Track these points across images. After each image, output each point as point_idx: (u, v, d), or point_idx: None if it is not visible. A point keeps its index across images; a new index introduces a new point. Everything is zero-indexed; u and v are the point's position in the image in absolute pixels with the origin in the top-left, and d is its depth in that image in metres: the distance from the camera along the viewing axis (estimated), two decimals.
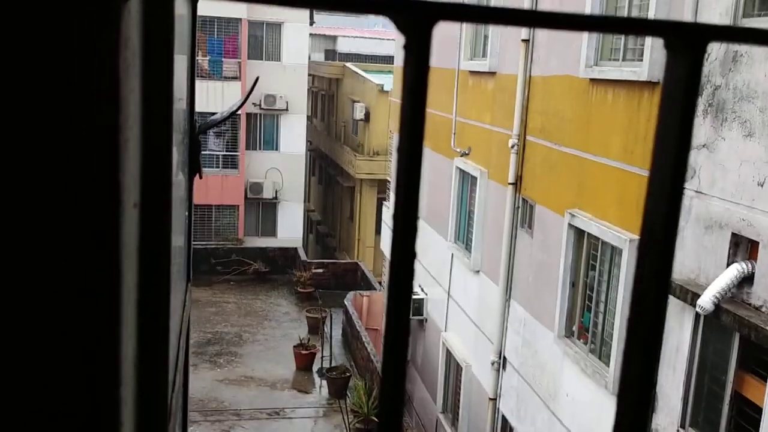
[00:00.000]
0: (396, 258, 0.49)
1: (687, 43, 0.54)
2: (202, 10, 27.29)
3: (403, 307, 0.49)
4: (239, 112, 25.88)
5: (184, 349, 1.46)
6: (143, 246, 0.69)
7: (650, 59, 7.60)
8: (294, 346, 18.50)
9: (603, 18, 0.55)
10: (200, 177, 1.75)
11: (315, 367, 18.32)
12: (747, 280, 6.30)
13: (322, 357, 18.21)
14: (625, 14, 8.41)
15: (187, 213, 1.69)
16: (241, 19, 25.98)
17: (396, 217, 0.52)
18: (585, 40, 8.90)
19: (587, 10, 8.84)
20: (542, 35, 10.31)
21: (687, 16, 7.06)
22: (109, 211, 0.50)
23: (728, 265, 6.45)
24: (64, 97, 0.46)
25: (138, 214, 0.63)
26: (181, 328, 1.36)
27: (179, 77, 1.47)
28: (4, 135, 0.46)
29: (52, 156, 0.47)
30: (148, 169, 0.67)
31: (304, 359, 18.25)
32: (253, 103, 26.59)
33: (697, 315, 6.77)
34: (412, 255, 0.51)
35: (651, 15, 7.62)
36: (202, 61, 25.97)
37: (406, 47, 0.52)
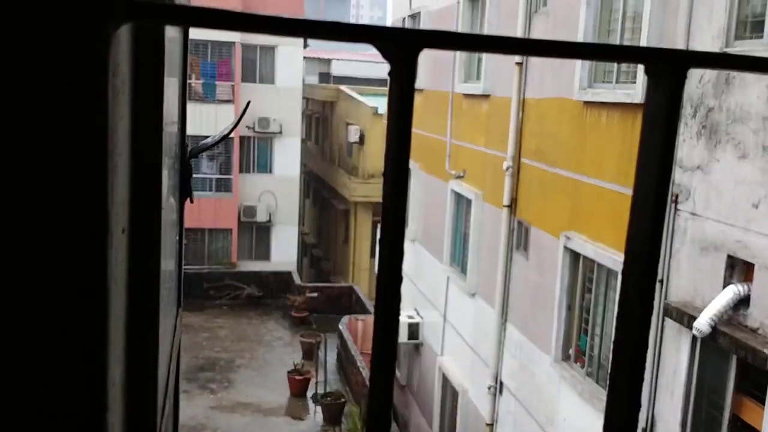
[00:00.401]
0: (383, 281, 0.49)
1: (667, 69, 0.55)
2: (196, 33, 27.46)
3: (391, 330, 0.49)
4: (232, 135, 25.93)
5: (174, 374, 1.44)
6: (132, 271, 0.69)
7: (644, 81, 7.66)
8: (288, 372, 18.35)
9: (584, 45, 0.56)
10: (191, 201, 1.75)
11: (309, 393, 18.16)
12: (743, 302, 6.30)
13: (316, 382, 18.07)
14: (618, 36, 8.50)
15: (177, 237, 1.68)
16: (234, 42, 26.11)
17: (383, 240, 0.52)
18: (578, 63, 8.97)
19: (580, 33, 8.93)
20: (536, 57, 10.39)
21: (679, 39, 7.13)
22: (97, 237, 0.50)
23: (724, 287, 6.45)
24: (52, 124, 0.46)
25: (127, 239, 0.63)
26: (171, 354, 1.35)
27: (170, 100, 1.48)
28: None
29: (39, 182, 0.47)
30: (137, 194, 0.67)
31: (299, 385, 18.10)
32: (247, 126, 26.64)
33: (694, 338, 6.76)
34: (399, 278, 0.51)
35: (644, 37, 7.70)
36: (196, 84, 26.06)
37: (390, 74, 0.53)
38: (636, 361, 0.50)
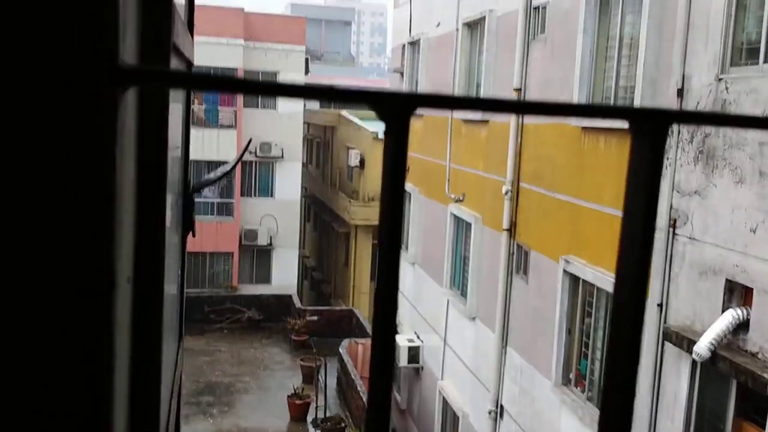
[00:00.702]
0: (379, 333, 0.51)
1: (650, 126, 0.57)
2: (198, 59, 27.58)
3: (388, 354, 0.51)
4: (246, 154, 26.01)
5: (175, 411, 1.46)
6: (135, 317, 0.71)
7: (641, 106, 7.71)
8: (288, 396, 18.26)
9: (572, 105, 0.59)
10: (193, 235, 1.77)
11: (309, 418, 18.05)
12: (742, 326, 6.30)
13: (316, 407, 17.96)
14: (615, 62, 8.56)
15: (179, 271, 1.70)
16: (237, 68, 26.31)
17: (377, 300, 0.54)
18: (576, 89, 9.04)
19: (577, 59, 9.01)
20: (534, 84, 10.47)
21: (675, 65, 7.20)
22: (102, 288, 0.52)
23: (723, 311, 6.46)
24: (59, 189, 0.48)
25: (131, 287, 0.65)
26: (172, 390, 1.37)
27: (175, 138, 1.51)
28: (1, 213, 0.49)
29: (49, 240, 0.49)
30: (141, 245, 0.69)
31: (299, 409, 18.00)
32: (249, 151, 26.74)
33: (694, 362, 6.75)
34: (393, 332, 0.54)
35: (640, 63, 7.77)
36: (198, 109, 26.21)
37: (386, 133, 0.55)
38: (627, 384, 0.53)
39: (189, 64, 1.55)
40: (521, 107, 0.56)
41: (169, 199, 1.37)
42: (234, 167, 2.62)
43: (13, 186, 0.48)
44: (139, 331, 0.71)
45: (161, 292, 0.78)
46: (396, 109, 0.54)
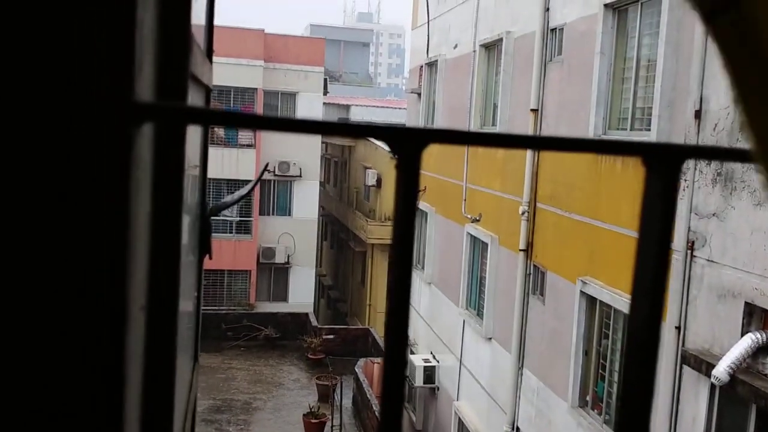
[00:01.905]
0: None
1: (663, 162, 0.57)
2: (219, 80, 27.82)
3: (399, 374, 0.51)
4: (253, 179, 26.17)
5: (189, 430, 1.46)
6: (149, 345, 0.72)
7: (658, 128, 7.69)
8: (303, 415, 18.20)
9: (584, 140, 0.59)
10: (210, 258, 1.79)
11: None
12: (762, 350, 6.22)
13: (332, 426, 17.89)
14: (632, 84, 8.55)
15: (196, 293, 1.72)
16: (257, 89, 26.54)
17: (387, 330, 0.55)
18: (593, 108, 9.04)
19: (594, 81, 9.00)
20: (551, 105, 10.47)
21: (693, 87, 7.17)
22: (115, 318, 0.53)
23: (742, 334, 6.38)
24: (75, 219, 0.50)
25: (145, 315, 0.66)
26: (186, 412, 1.37)
27: (193, 161, 1.53)
28: (17, 242, 0.50)
29: (63, 275, 0.50)
30: (156, 274, 0.71)
31: (314, 428, 17.93)
32: (268, 171, 26.89)
33: (713, 386, 6.66)
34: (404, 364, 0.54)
35: (657, 85, 7.75)
36: (218, 129, 26.44)
37: (397, 167, 0.56)
38: (642, 411, 0.53)
39: (208, 90, 1.57)
40: (534, 143, 0.57)
41: (187, 222, 1.39)
42: (251, 190, 2.64)
43: (27, 220, 0.50)
44: (152, 358, 0.72)
45: (175, 320, 0.78)
46: (409, 144, 0.55)
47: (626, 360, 0.59)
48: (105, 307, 0.52)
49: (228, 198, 2.47)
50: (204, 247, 1.71)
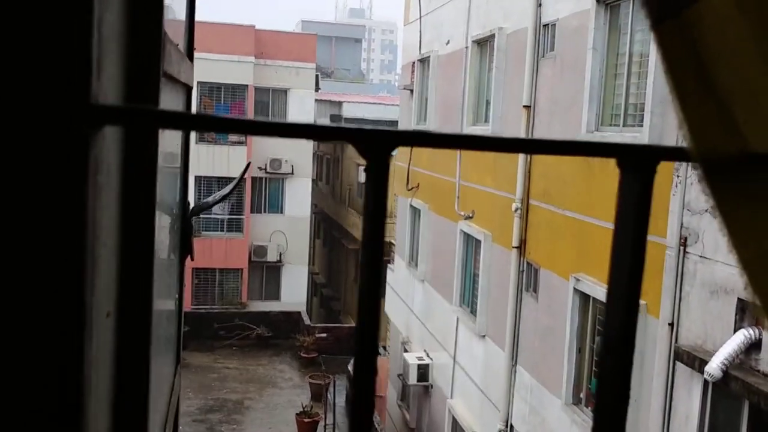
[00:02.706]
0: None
1: (638, 163, 0.56)
2: (210, 77, 27.68)
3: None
4: (244, 176, 26.11)
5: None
6: (120, 351, 0.70)
7: (650, 124, 7.69)
8: (296, 414, 18.19)
9: (558, 142, 0.57)
10: (192, 259, 1.76)
11: None
12: (755, 346, 6.23)
13: (325, 425, 17.89)
14: (624, 80, 8.55)
15: (177, 296, 1.70)
16: (247, 85, 26.48)
17: (359, 327, 0.53)
18: (586, 104, 9.03)
19: (587, 77, 9.00)
20: (543, 101, 10.47)
21: None
22: (74, 323, 0.51)
23: (735, 330, 6.39)
24: (29, 223, 0.48)
25: (113, 322, 0.64)
26: (167, 415, 1.35)
27: (173, 161, 1.51)
28: None
29: (17, 279, 0.48)
30: (126, 277, 0.68)
31: (307, 427, 17.92)
32: (259, 167, 26.85)
33: (706, 382, 6.67)
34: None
35: (650, 81, 7.74)
36: None
37: (366, 170, 0.55)
38: (619, 408, 0.51)
39: (188, 89, 1.54)
40: (506, 145, 0.55)
41: (166, 222, 1.37)
42: (233, 190, 2.63)
43: None
44: (124, 364, 0.70)
45: (149, 325, 0.77)
46: (377, 147, 0.54)
47: (600, 362, 0.58)
48: (61, 314, 0.50)
49: (209, 198, 2.45)
50: (185, 248, 1.69)
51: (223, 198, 2.41)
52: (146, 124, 0.49)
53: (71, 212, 0.48)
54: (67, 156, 0.47)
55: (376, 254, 0.53)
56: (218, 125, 0.52)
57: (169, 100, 1.15)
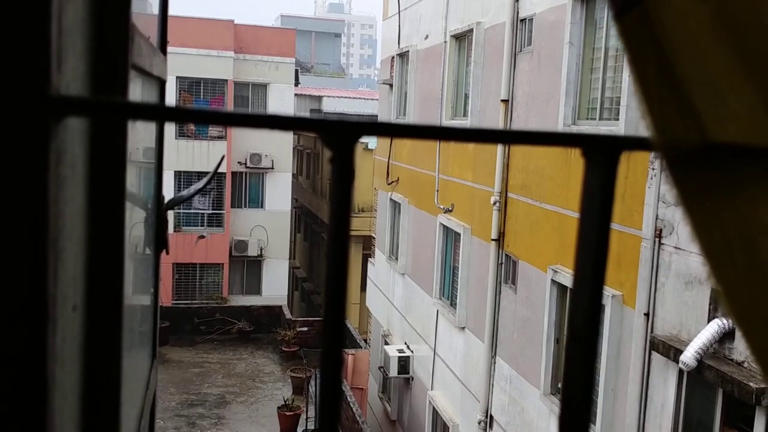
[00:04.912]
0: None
1: (602, 152, 0.57)
2: (189, 71, 27.48)
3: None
4: (224, 170, 26.00)
5: (146, 430, 1.44)
6: (89, 346, 0.69)
7: (626, 118, 7.76)
8: (278, 408, 18.18)
9: (525, 133, 0.58)
10: (167, 253, 1.76)
11: (300, 429, 17.97)
12: (728, 335, 6.32)
13: (306, 418, 17.89)
14: (600, 74, 8.61)
15: (153, 290, 1.69)
16: (227, 80, 26.32)
17: (325, 329, 0.54)
18: (563, 98, 9.09)
19: (563, 71, 9.05)
20: (521, 95, 10.52)
21: None
22: (35, 316, 0.51)
23: (709, 320, 6.47)
24: None
25: (80, 316, 0.64)
26: (142, 411, 1.35)
27: (147, 154, 1.50)
28: None
29: None
30: (93, 271, 0.68)
31: (289, 421, 17.91)
32: (239, 162, 26.73)
33: (681, 371, 6.76)
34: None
35: (626, 78, 7.81)
36: None
37: (331, 161, 0.55)
38: (583, 397, 0.52)
39: (161, 82, 1.54)
40: (474, 135, 0.56)
41: (140, 216, 1.36)
42: (207, 183, 2.62)
43: None
44: (94, 359, 0.69)
45: (119, 320, 0.76)
46: (341, 137, 0.54)
47: (566, 353, 0.59)
48: (22, 306, 0.50)
49: (184, 192, 2.44)
50: (160, 243, 1.68)
51: (199, 191, 2.41)
52: (109, 114, 0.49)
53: (31, 204, 0.48)
54: (25, 147, 0.47)
55: (341, 245, 0.54)
56: (184, 116, 0.52)
57: (140, 94, 1.15)
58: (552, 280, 9.28)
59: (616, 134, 0.58)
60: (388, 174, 16.52)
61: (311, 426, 17.68)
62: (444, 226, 13.31)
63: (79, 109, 0.48)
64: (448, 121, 13.15)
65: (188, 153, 25.36)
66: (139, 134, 1.26)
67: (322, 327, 0.55)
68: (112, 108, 0.46)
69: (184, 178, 24.82)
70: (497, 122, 10.86)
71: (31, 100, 0.46)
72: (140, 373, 1.39)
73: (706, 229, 0.54)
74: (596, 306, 0.60)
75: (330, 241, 0.55)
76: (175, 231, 25.05)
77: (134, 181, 1.22)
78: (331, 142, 0.53)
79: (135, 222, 1.15)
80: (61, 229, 0.55)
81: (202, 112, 0.50)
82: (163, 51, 1.61)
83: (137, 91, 1.09)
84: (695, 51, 0.47)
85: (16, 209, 0.47)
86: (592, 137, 0.58)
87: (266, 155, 27.06)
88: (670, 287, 7.10)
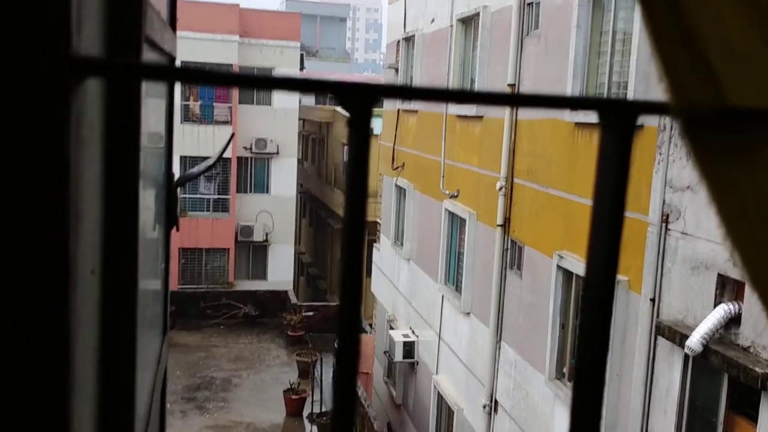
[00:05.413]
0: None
1: (618, 117, 0.57)
2: (194, 56, 27.45)
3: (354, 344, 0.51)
4: (230, 156, 26.00)
5: (159, 404, 1.45)
6: (106, 310, 0.70)
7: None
8: (284, 391, 18.28)
9: (539, 96, 0.59)
10: (177, 230, 1.77)
11: (305, 412, 18.08)
12: (734, 320, 6.32)
13: (312, 402, 17.99)
14: (608, 57, 8.56)
15: (164, 265, 1.70)
16: (232, 65, 26.26)
17: (342, 284, 0.54)
18: (570, 82, 9.05)
19: (571, 55, 9.01)
20: (528, 79, 10.47)
21: None
22: (57, 280, 0.52)
23: (715, 305, 6.47)
24: (10, 175, 0.48)
25: (98, 280, 0.65)
26: (154, 384, 1.36)
27: (157, 130, 1.50)
28: None
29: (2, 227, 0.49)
30: (110, 235, 0.69)
31: (295, 404, 18.02)
32: (244, 147, 26.73)
33: (686, 356, 6.77)
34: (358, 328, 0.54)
35: (633, 58, 7.77)
36: (194, 105, 26.18)
37: (349, 124, 0.55)
38: (598, 370, 0.53)
39: (171, 59, 1.54)
40: (488, 98, 0.56)
41: (151, 192, 1.37)
42: (217, 160, 2.63)
43: None
44: (110, 324, 0.70)
45: (134, 285, 0.77)
46: (359, 99, 0.55)
47: (582, 318, 0.59)
48: (47, 265, 0.51)
49: (194, 169, 2.45)
50: (170, 219, 1.69)
51: (209, 168, 2.42)
52: (128, 75, 0.50)
53: (53, 163, 0.48)
54: (48, 107, 0.48)
55: (358, 214, 0.54)
56: (199, 78, 0.53)
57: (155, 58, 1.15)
58: (558, 265, 9.28)
59: (633, 99, 0.58)
60: (393, 159, 16.50)
61: (317, 409, 17.78)
62: (449, 211, 13.30)
63: (99, 70, 0.48)
64: (454, 106, 13.11)
65: (194, 138, 25.36)
66: (149, 109, 1.27)
67: (339, 290, 0.55)
68: (129, 68, 0.46)
69: (189, 162, 24.83)
70: (504, 107, 10.81)
71: (54, 61, 0.46)
72: (151, 349, 1.40)
73: (722, 192, 0.54)
74: (612, 271, 0.60)
75: (348, 201, 0.56)
76: (180, 216, 25.10)
77: (145, 156, 1.23)
78: (349, 104, 0.54)
79: (146, 194, 1.16)
80: (81, 191, 0.55)
81: (215, 74, 0.51)
82: (173, 28, 1.62)
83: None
84: (713, 13, 0.47)
85: (40, 167, 0.48)
86: (608, 101, 0.58)
87: (271, 140, 27.04)
88: (676, 272, 7.09)
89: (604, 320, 0.58)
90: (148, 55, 0.99)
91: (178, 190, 1.92)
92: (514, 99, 0.60)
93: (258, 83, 0.54)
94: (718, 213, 0.55)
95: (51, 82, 0.48)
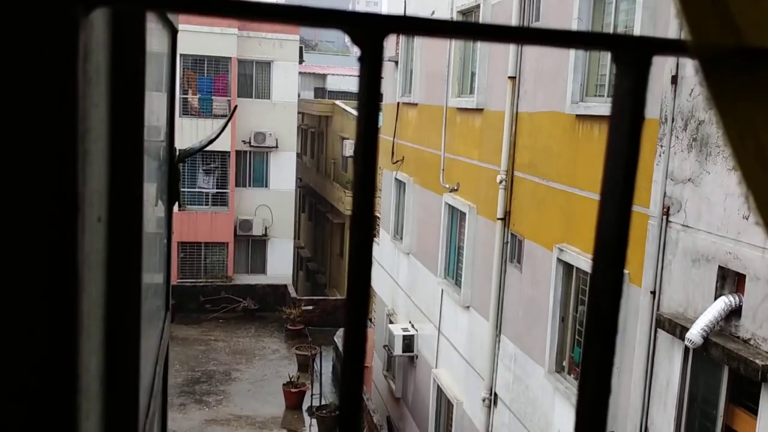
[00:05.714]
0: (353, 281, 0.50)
1: (633, 55, 0.56)
2: (192, 49, 27.39)
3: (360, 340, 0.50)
4: (228, 149, 25.97)
5: (161, 376, 1.44)
6: (112, 259, 0.69)
7: None
8: (283, 384, 18.30)
9: (552, 31, 0.57)
10: (179, 207, 1.76)
11: (305, 406, 18.09)
12: (735, 313, 6.31)
13: (312, 395, 18.01)
14: (608, 63, 8.53)
15: (166, 241, 1.69)
16: (230, 57, 26.21)
17: (352, 228, 0.53)
18: (570, 76, 9.03)
19: (571, 55, 8.97)
20: (529, 71, 10.45)
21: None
22: (67, 221, 0.51)
23: (716, 298, 6.47)
24: (18, 106, 0.47)
25: (104, 228, 0.64)
26: (158, 356, 1.35)
27: (158, 106, 1.49)
28: None
29: (7, 164, 0.48)
30: (116, 185, 0.68)
31: (294, 398, 18.04)
32: (243, 141, 26.69)
33: (687, 349, 6.77)
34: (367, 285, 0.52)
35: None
36: (193, 99, 26.12)
37: (360, 59, 0.54)
38: (606, 349, 0.51)
39: (173, 31, 1.52)
40: (499, 33, 0.55)
41: (154, 167, 1.36)
42: (219, 134, 2.62)
43: None
44: (114, 270, 0.69)
45: (140, 233, 0.76)
46: (371, 32, 0.53)
47: (593, 273, 0.58)
48: (54, 205, 0.50)
49: (195, 144, 2.44)
50: (173, 194, 1.68)
51: (210, 142, 2.41)
52: (135, 3, 0.48)
53: (62, 93, 0.47)
54: (56, 37, 0.47)
55: (370, 143, 0.53)
56: (204, 6, 0.51)
57: (155, 39, 1.14)
58: (558, 258, 9.27)
59: (648, 36, 0.57)
60: (393, 153, 16.48)
61: (316, 402, 17.79)
62: (449, 205, 13.29)
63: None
64: (454, 99, 13.09)
65: (192, 131, 25.32)
66: (151, 90, 1.25)
67: (350, 247, 0.54)
68: None
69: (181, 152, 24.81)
70: (504, 100, 10.80)
71: None
72: (154, 317, 1.39)
73: (738, 134, 0.53)
74: (626, 217, 0.59)
75: (358, 140, 0.54)
76: (179, 210, 25.09)
77: (146, 128, 1.21)
78: (360, 37, 0.52)
79: (149, 164, 1.15)
80: (87, 129, 0.54)
81: (230, 3, 0.49)
82: None
83: (153, 35, 1.08)
84: None
85: (48, 97, 0.46)
86: (623, 37, 0.57)
87: (270, 134, 27.01)
88: (677, 265, 7.09)
89: (614, 295, 0.57)
90: (152, 23, 0.97)
91: (180, 166, 1.90)
92: (529, 34, 0.58)
93: (261, 13, 0.52)
94: (733, 156, 0.54)
95: (59, 11, 0.46)
